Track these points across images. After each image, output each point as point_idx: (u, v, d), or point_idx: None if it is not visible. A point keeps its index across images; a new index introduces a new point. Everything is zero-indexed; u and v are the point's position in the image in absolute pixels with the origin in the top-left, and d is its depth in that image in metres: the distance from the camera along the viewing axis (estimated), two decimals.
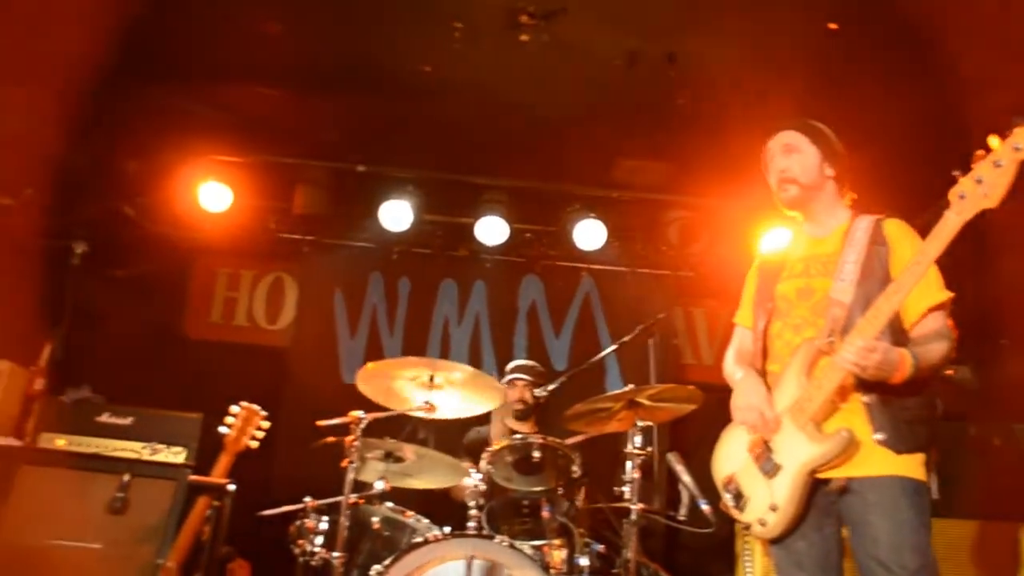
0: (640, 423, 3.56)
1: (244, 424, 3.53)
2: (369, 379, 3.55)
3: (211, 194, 5.48)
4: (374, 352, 5.90)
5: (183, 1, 4.32)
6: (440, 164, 5.67)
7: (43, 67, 4.41)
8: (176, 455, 4.32)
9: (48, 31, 4.22)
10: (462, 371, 3.53)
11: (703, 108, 4.82)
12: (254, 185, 5.61)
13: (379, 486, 3.52)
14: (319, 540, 3.51)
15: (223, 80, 4.87)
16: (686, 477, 3.76)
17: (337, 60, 4.75)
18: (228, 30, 4.48)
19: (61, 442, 4.39)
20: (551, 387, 4.05)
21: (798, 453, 2.38)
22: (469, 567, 3.28)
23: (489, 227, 5.76)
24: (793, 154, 2.65)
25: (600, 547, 3.78)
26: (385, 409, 3.46)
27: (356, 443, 3.27)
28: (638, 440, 3.52)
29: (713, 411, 3.56)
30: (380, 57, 4.68)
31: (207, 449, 4.32)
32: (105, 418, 4.44)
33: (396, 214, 5.66)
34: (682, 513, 3.84)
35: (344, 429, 3.34)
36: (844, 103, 3.85)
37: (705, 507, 3.64)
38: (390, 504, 3.70)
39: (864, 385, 2.34)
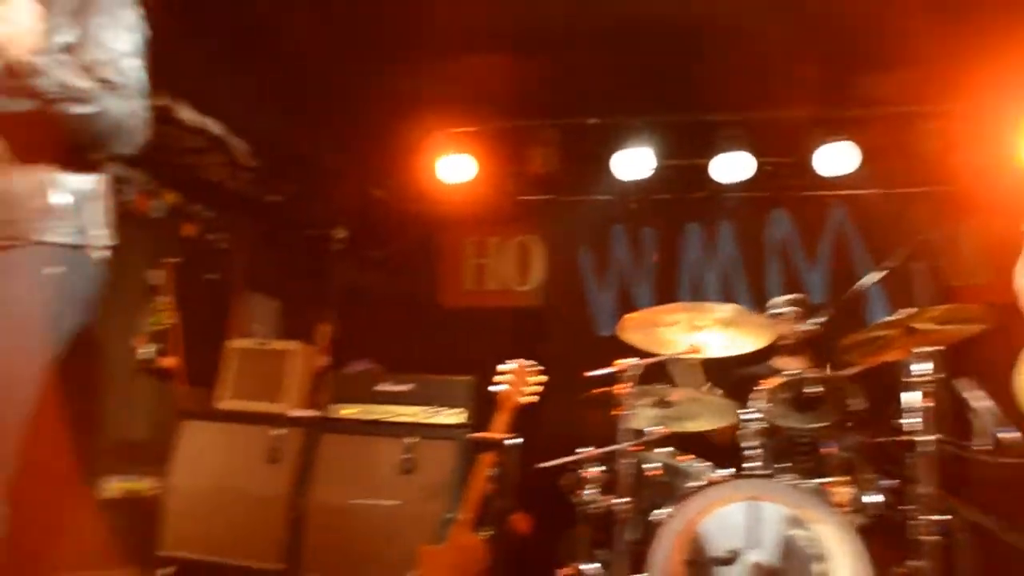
0: (920, 349, 3.34)
1: (518, 380, 3.65)
2: (631, 329, 3.56)
3: (451, 166, 5.69)
4: (625, 303, 5.91)
5: None
6: (671, 106, 5.53)
7: (279, 65, 4.74)
8: (455, 416, 4.57)
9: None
10: (727, 312, 3.45)
11: (948, 3, 4.37)
12: (491, 152, 5.75)
13: (653, 431, 3.54)
14: (598, 489, 3.58)
15: (448, 53, 4.99)
16: (983, 404, 3.47)
17: (555, 18, 4.73)
18: (443, 3, 4.59)
19: (351, 411, 4.77)
20: (820, 319, 3.89)
21: None
22: (752, 509, 3.23)
23: (729, 164, 5.56)
24: None
25: (889, 482, 3.59)
26: (650, 356, 3.46)
27: (628, 390, 3.29)
28: (919, 367, 3.30)
29: (994, 332, 3.28)
30: (600, 6, 4.61)
31: (482, 409, 4.57)
32: (386, 386, 4.77)
33: (631, 163, 5.62)
34: (980, 443, 3.56)
35: (611, 378, 3.38)
36: None
37: (1007, 435, 3.36)
38: (665, 449, 3.71)
39: None
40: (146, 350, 5.08)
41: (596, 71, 5.17)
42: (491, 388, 3.69)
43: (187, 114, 4.54)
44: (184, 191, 5.34)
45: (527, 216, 6.23)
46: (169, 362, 5.17)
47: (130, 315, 5.04)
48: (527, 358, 3.94)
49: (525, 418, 3.82)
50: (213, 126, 4.73)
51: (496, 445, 3.47)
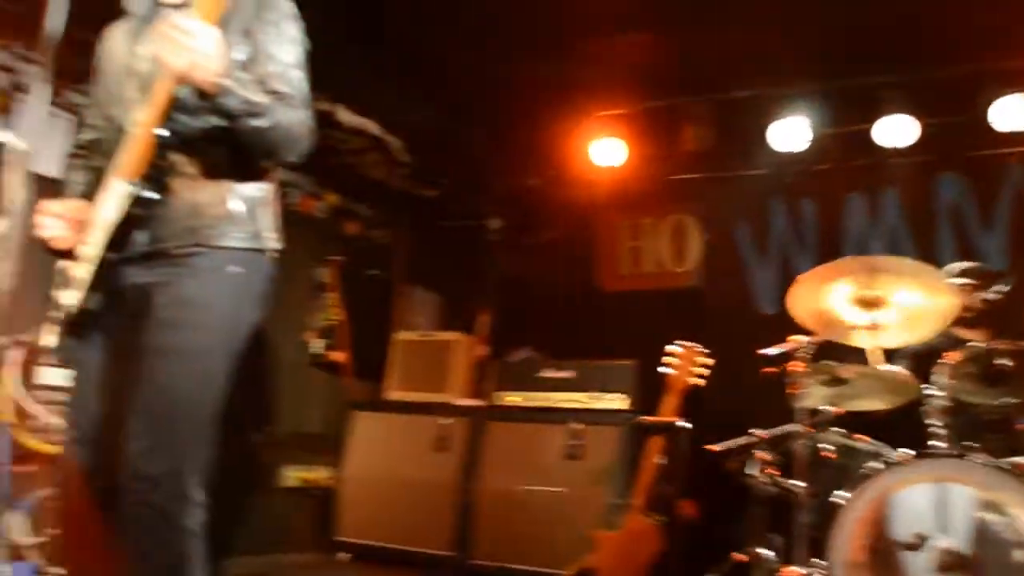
0: None
1: (685, 363, 3.58)
2: (800, 299, 3.42)
3: (603, 150, 5.65)
4: (789, 280, 5.65)
5: None
6: (825, 72, 5.27)
7: (428, 60, 4.81)
8: (618, 401, 4.54)
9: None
10: (903, 269, 3.22)
11: None
12: (642, 133, 5.66)
13: (826, 410, 3.39)
14: (771, 471, 3.47)
15: (594, 35, 4.93)
16: None
17: None
18: None
19: (515, 399, 4.82)
20: (1003, 287, 3.60)
21: None
22: (940, 491, 3.04)
23: (891, 128, 5.24)
24: None
25: None
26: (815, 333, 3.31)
27: (802, 368, 3.17)
28: None
29: None
30: None
31: (644, 393, 4.52)
32: (548, 373, 4.80)
33: (787, 134, 5.40)
34: None
35: (782, 357, 3.26)
36: None
37: None
38: (838, 429, 3.55)
39: None
40: (317, 345, 5.31)
41: (745, 42, 4.98)
42: (659, 370, 3.63)
43: (346, 116, 4.71)
44: (345, 191, 5.55)
45: (681, 196, 6.10)
46: (338, 356, 5.38)
47: (300, 312, 5.28)
48: (688, 339, 3.86)
49: (692, 400, 3.74)
50: (371, 126, 4.88)
51: (665, 429, 3.42)
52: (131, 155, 1.92)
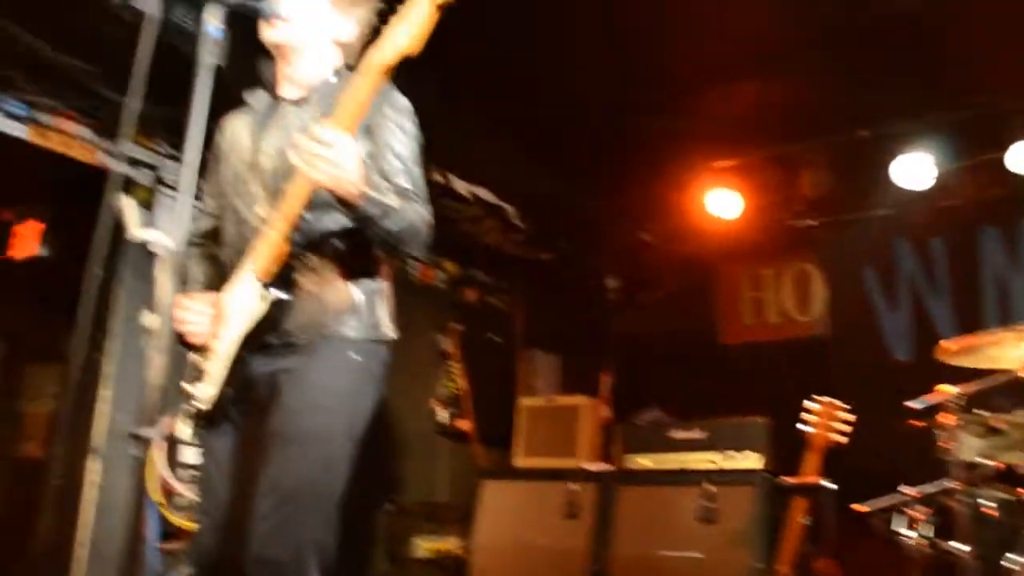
0: None
1: (825, 418, 3.42)
2: (949, 357, 3.23)
3: (718, 202, 5.56)
4: (923, 324, 5.43)
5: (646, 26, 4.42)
6: (950, 102, 5.05)
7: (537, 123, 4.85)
8: (752, 460, 4.37)
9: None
10: None
11: None
12: (757, 182, 5.55)
13: (983, 464, 3.16)
14: (926, 531, 3.25)
15: (701, 88, 4.89)
16: None
17: (805, 32, 4.49)
18: (689, 40, 4.50)
19: (645, 462, 4.71)
20: None
21: None
22: None
23: None
24: None
25: None
26: (974, 378, 3.12)
27: (953, 420, 2.98)
28: None
29: None
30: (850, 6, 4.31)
31: (778, 451, 4.35)
32: (678, 433, 4.67)
33: (910, 170, 5.18)
34: None
35: (930, 408, 3.08)
36: None
37: None
38: (998, 484, 3.30)
39: None
40: (442, 414, 5.35)
41: (858, 80, 4.84)
42: (796, 427, 3.48)
43: (460, 185, 4.80)
44: (462, 259, 5.64)
45: (802, 243, 5.93)
46: (464, 424, 5.40)
47: (424, 382, 5.34)
48: (819, 391, 3.69)
49: (833, 457, 3.57)
50: (485, 193, 4.95)
51: (809, 490, 3.26)
52: (262, 254, 1.99)
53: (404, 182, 2.09)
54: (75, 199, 4.48)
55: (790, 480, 3.36)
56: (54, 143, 3.77)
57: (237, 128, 2.26)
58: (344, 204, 1.92)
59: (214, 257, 2.29)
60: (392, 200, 1.98)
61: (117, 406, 3.88)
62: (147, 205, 3.96)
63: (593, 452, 5.06)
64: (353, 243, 2.08)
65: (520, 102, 4.66)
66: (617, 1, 4.02)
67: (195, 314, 2.10)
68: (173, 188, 4.08)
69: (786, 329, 6.05)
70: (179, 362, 2.12)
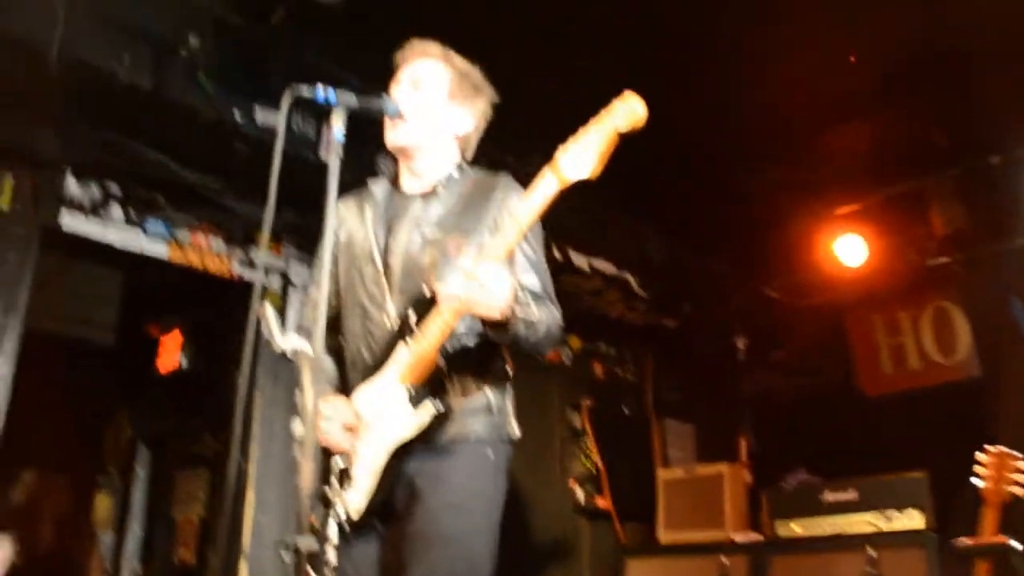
0: None
1: (998, 470, 3.17)
2: None
3: (843, 249, 5.36)
4: None
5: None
6: None
7: (652, 187, 4.79)
8: (915, 520, 4.10)
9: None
10: None
11: None
12: (884, 224, 5.32)
13: None
14: None
15: (815, 133, 4.76)
16: None
17: (912, 60, 4.32)
18: (797, 86, 4.40)
19: (796, 528, 4.48)
20: None
21: None
22: None
23: None
24: None
25: None
26: None
27: None
28: None
29: None
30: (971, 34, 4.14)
31: (941, 508, 4.07)
32: (828, 495, 4.44)
33: None
34: None
35: None
36: None
37: None
38: None
39: None
40: (579, 492, 5.25)
41: (980, 105, 4.63)
42: (970, 481, 3.23)
43: (578, 259, 4.78)
44: (586, 333, 5.59)
45: (938, 282, 5.61)
46: (602, 501, 5.29)
47: (560, 462, 5.27)
48: (977, 438, 3.43)
49: (1011, 512, 3.29)
50: (603, 264, 4.92)
51: (991, 551, 2.99)
52: (411, 363, 2.02)
53: (536, 286, 2.13)
54: (211, 309, 4.69)
55: (968, 541, 3.10)
56: (191, 258, 3.95)
57: (355, 217, 2.27)
58: (494, 326, 1.98)
59: (335, 348, 2.28)
60: (533, 312, 2.03)
61: (260, 509, 3.95)
62: (280, 310, 4.09)
63: (740, 521, 4.85)
64: (490, 349, 2.13)
65: (631, 167, 4.62)
66: (720, 57, 3.97)
67: (334, 419, 2.09)
68: (301, 289, 4.25)
69: (931, 374, 5.71)
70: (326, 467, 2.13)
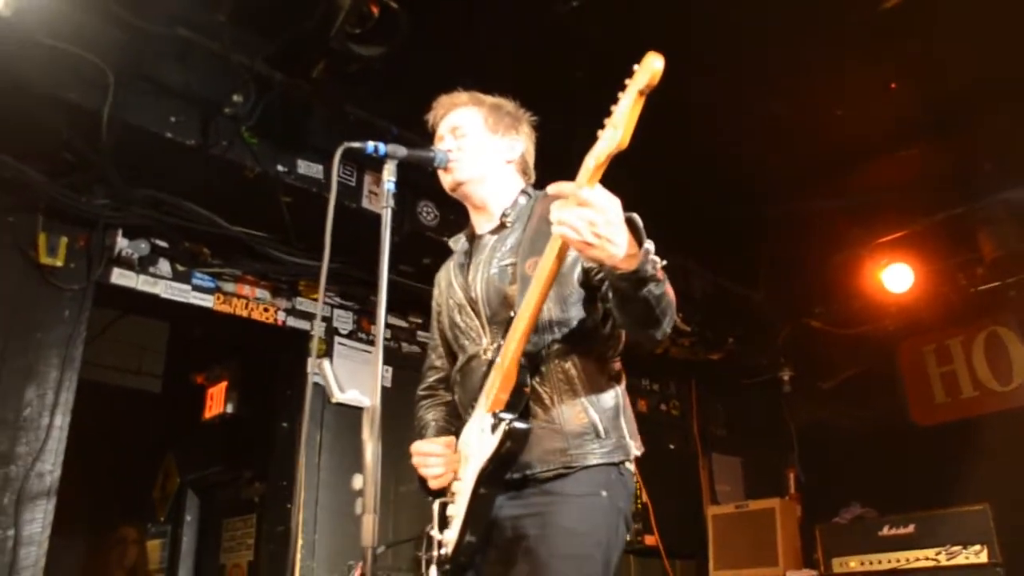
0: None
1: None
2: None
3: (889, 277, 5.28)
4: None
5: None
6: None
7: (695, 220, 4.76)
8: (981, 555, 3.99)
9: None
10: None
11: None
12: (931, 250, 5.24)
13: None
14: None
15: (859, 164, 4.71)
16: None
17: (955, 89, 4.27)
18: (840, 118, 4.37)
19: (853, 564, 4.39)
20: None
21: None
22: None
23: None
24: None
25: None
26: None
27: None
28: None
29: None
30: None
31: (1006, 540, 3.96)
32: (886, 530, 4.35)
33: None
34: None
35: None
36: None
37: None
38: None
39: None
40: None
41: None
42: None
43: None
44: (630, 370, 5.53)
45: (988, 306, 5.51)
46: (651, 539, 5.22)
47: None
48: None
49: None
50: None
51: None
52: (493, 384, 1.94)
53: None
54: (257, 357, 4.75)
55: None
56: (236, 308, 4.01)
57: (446, 277, 2.29)
58: (620, 274, 1.72)
59: (446, 403, 2.29)
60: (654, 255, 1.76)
61: (307, 553, 3.97)
62: (324, 356, 4.12)
63: (794, 558, 4.78)
64: (580, 360, 1.99)
65: (673, 200, 4.60)
66: (764, 88, 3.96)
67: (433, 458, 2.06)
68: (345, 336, 4.29)
69: (986, 402, 5.58)
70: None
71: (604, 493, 1.92)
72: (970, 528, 4.08)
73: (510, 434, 1.89)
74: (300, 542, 3.97)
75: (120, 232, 3.61)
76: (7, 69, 2.94)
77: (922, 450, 5.50)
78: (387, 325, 4.48)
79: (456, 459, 2.04)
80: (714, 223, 4.87)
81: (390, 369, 4.13)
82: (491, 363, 2.00)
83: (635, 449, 2.03)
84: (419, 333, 4.51)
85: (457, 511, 1.99)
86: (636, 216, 1.73)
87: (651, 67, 1.69)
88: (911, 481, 5.12)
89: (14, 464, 3.23)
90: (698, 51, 3.68)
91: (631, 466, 2.01)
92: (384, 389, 1.83)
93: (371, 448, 1.80)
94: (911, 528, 4.28)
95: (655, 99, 1.71)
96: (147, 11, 3.14)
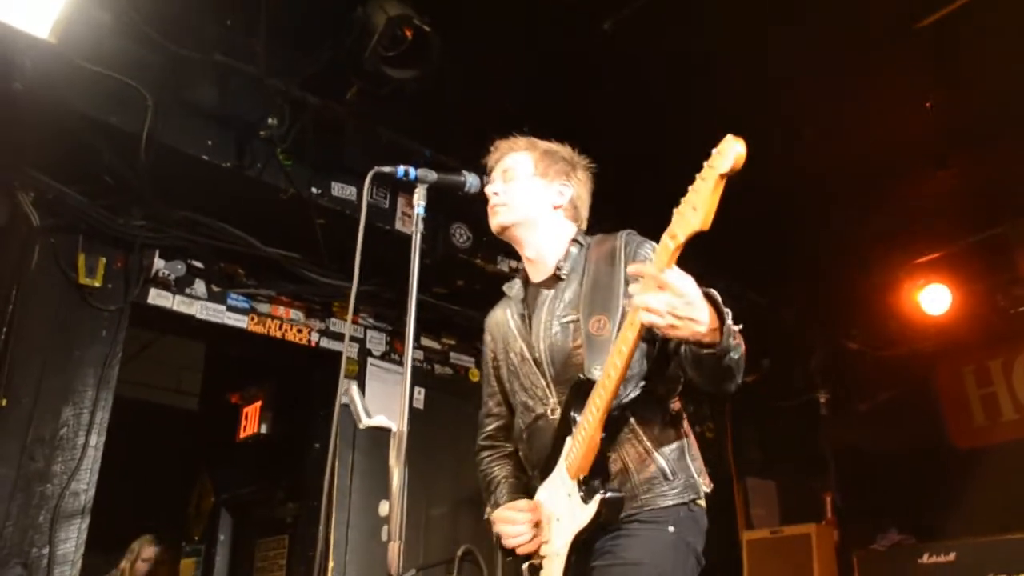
0: None
1: None
2: None
3: (930, 297, 5.22)
4: None
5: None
6: None
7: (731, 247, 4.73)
8: None
9: None
10: None
11: None
12: (969, 271, 5.17)
13: None
14: None
15: (895, 185, 4.64)
16: None
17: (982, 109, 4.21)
18: (875, 136, 4.32)
19: None
20: None
21: None
22: None
23: None
24: None
25: None
26: None
27: None
28: None
29: None
30: None
31: None
32: (926, 558, 4.26)
33: None
34: None
35: None
36: None
37: None
38: None
39: None
40: None
41: None
42: None
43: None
44: None
45: None
46: None
47: None
48: None
49: None
50: None
51: None
52: (576, 451, 1.94)
53: None
54: (290, 377, 4.78)
55: None
56: (270, 328, 4.04)
57: (501, 324, 2.28)
58: (706, 348, 1.74)
59: (509, 455, 2.28)
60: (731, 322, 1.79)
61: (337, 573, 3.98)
62: (356, 377, 4.14)
63: None
64: (641, 407, 2.00)
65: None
66: (799, 109, 3.94)
67: (520, 526, 2.05)
68: (378, 357, 4.31)
69: None
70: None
71: (671, 528, 1.94)
72: (1015, 556, 3.98)
73: (606, 503, 1.90)
74: (331, 564, 3.98)
75: (157, 253, 3.67)
76: (52, 93, 3.03)
77: (962, 474, 5.38)
78: (420, 347, 4.52)
79: (540, 521, 2.03)
80: (749, 244, 4.83)
81: (422, 391, 4.12)
82: (561, 423, 2.01)
83: (704, 487, 2.03)
84: (452, 355, 4.51)
85: (551, 572, 1.99)
86: (714, 292, 1.75)
87: (734, 151, 1.69)
88: (949, 505, 5.02)
89: (49, 483, 3.27)
90: (730, 74, 3.68)
91: (703, 503, 2.01)
92: (416, 411, 1.82)
93: (397, 474, 1.80)
94: (952, 556, 4.18)
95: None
96: (185, 37, 3.22)
